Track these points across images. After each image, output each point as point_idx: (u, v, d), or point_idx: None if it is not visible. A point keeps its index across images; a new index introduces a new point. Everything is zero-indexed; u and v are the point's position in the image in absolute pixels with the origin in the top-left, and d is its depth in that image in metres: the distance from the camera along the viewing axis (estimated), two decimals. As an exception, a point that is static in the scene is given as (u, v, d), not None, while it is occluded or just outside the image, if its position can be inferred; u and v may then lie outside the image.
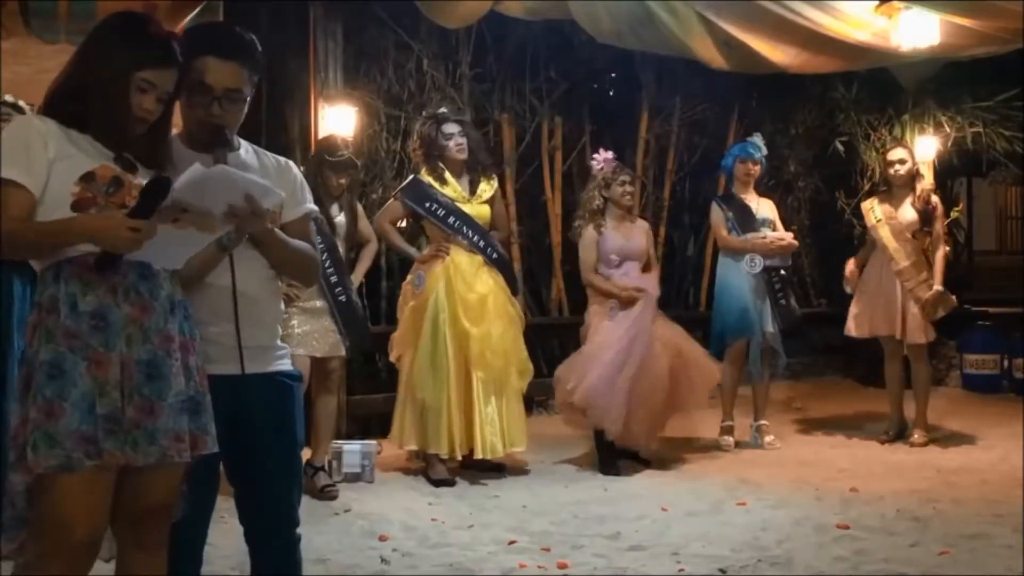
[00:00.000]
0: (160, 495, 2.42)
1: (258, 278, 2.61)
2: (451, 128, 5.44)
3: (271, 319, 2.69)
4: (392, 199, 5.66)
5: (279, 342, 2.72)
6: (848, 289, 6.47)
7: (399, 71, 7.03)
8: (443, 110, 5.67)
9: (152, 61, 2.38)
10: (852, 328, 6.45)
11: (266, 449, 2.64)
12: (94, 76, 2.39)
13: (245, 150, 2.67)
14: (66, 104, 2.40)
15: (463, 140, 5.44)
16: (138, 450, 2.31)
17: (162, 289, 2.39)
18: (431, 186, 5.42)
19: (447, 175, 5.44)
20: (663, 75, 8.02)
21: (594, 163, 5.91)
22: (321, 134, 5.89)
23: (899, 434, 6.44)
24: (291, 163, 2.76)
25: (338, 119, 5.98)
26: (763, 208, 6.35)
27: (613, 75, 8.43)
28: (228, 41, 2.60)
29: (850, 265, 6.47)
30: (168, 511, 2.47)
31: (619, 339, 5.52)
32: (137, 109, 2.39)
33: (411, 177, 5.62)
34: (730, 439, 6.24)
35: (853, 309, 6.43)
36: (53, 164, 2.32)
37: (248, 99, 2.60)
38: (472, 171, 5.51)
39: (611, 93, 8.60)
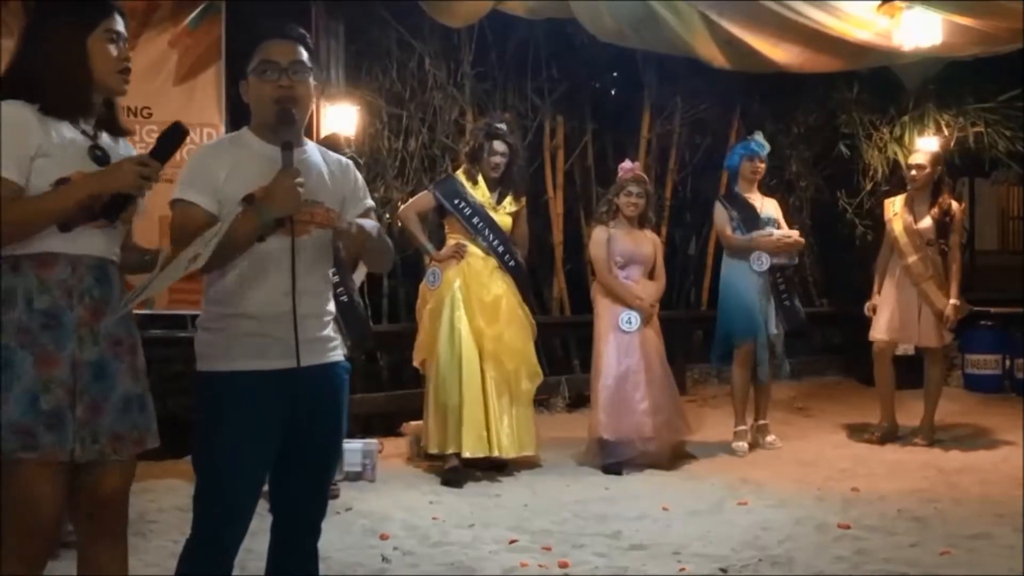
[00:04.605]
0: (112, 487, 2.46)
1: (317, 273, 2.67)
2: (499, 147, 5.57)
3: (326, 311, 2.73)
4: (425, 191, 5.79)
5: (332, 333, 2.75)
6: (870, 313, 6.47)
7: (401, 70, 7.03)
8: (501, 125, 5.69)
9: (110, 7, 2.42)
10: (873, 333, 6.41)
11: (317, 439, 2.67)
12: (50, 47, 2.38)
13: (311, 150, 2.73)
14: (24, 85, 2.37)
15: (502, 161, 5.57)
16: (84, 448, 2.35)
17: (115, 293, 2.44)
18: (463, 185, 5.57)
19: (479, 178, 5.58)
20: (665, 74, 8.01)
21: (620, 170, 5.96)
22: (323, 133, 5.89)
23: (888, 435, 6.41)
24: (351, 163, 2.85)
25: (340, 118, 5.98)
26: (767, 207, 6.32)
27: (615, 74, 8.45)
28: (280, 25, 2.70)
29: (874, 289, 6.47)
30: (123, 503, 2.51)
31: (624, 357, 5.67)
32: (117, 63, 2.42)
33: (446, 174, 5.92)
34: (744, 444, 6.15)
35: (876, 314, 6.41)
36: (34, 160, 2.33)
37: (311, 79, 2.66)
38: (503, 184, 5.63)
39: (613, 92, 8.62)
